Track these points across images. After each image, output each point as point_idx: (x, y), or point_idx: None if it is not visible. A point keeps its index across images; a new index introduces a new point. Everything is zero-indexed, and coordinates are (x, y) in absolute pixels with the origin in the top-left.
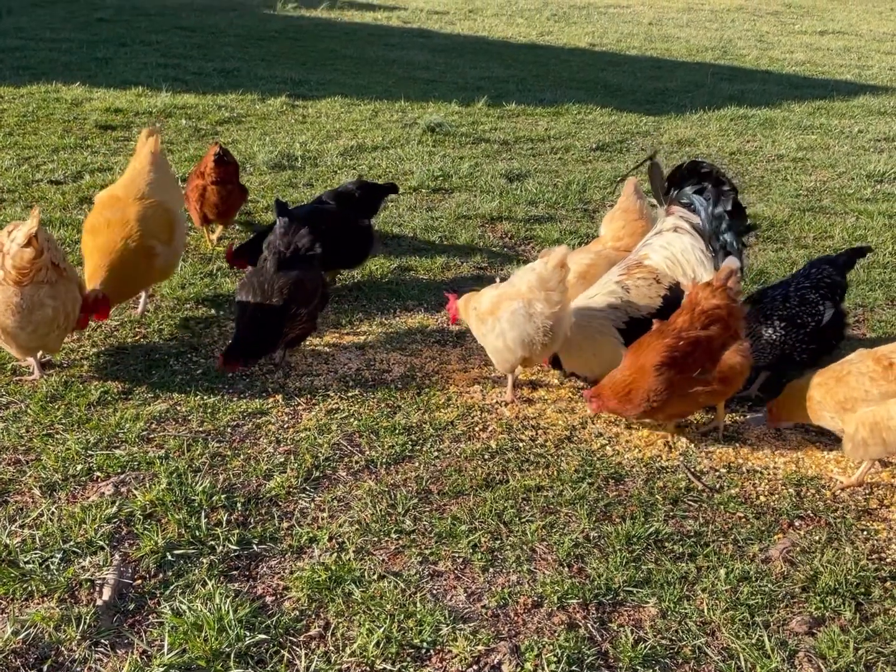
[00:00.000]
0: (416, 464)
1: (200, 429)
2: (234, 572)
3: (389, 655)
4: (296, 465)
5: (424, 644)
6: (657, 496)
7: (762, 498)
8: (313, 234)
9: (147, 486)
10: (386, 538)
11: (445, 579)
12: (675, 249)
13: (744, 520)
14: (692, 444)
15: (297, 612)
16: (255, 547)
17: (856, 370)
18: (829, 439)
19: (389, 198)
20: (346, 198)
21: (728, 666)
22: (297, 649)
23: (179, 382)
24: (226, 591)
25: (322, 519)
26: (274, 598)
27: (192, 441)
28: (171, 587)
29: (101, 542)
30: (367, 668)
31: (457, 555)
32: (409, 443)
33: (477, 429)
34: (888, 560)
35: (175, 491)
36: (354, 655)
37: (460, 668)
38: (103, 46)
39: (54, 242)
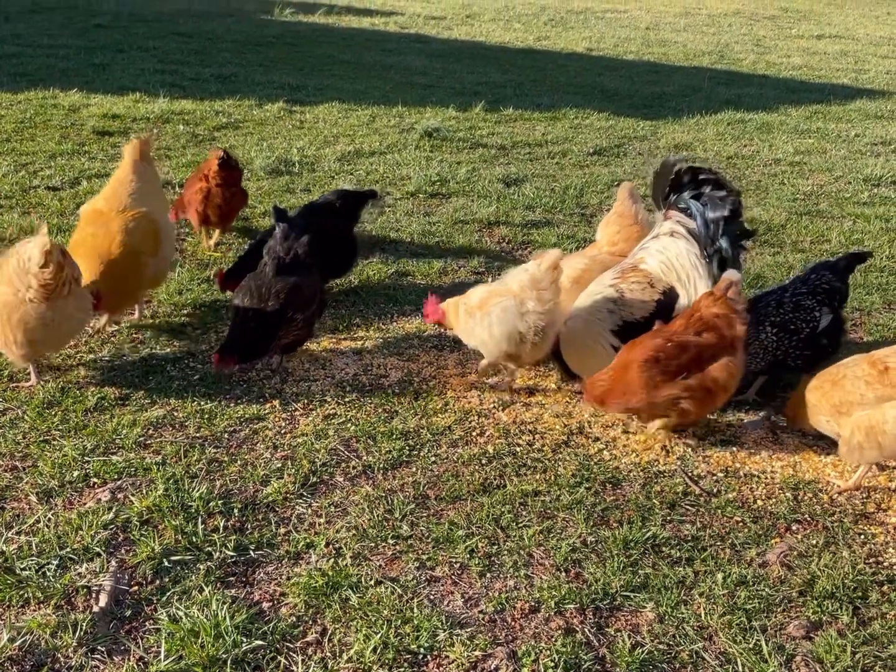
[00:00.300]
0: (414, 469)
1: (197, 434)
2: (231, 578)
3: (386, 661)
4: (293, 470)
5: (421, 650)
6: (654, 501)
7: (759, 502)
8: (312, 241)
9: (144, 492)
10: (383, 544)
11: (442, 584)
12: (670, 254)
13: (741, 524)
14: (689, 449)
15: (294, 618)
16: (251, 553)
17: (851, 374)
18: (826, 443)
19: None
20: (327, 209)
21: (725, 670)
22: (294, 655)
23: (176, 388)
24: (222, 598)
25: (319, 524)
26: (271, 604)
27: (189, 447)
28: (168, 593)
29: (98, 549)
30: None
31: (454, 560)
32: (407, 448)
33: (474, 434)
34: (885, 564)
35: (172, 497)
36: (351, 661)
37: None
38: (101, 53)
39: (69, 256)
